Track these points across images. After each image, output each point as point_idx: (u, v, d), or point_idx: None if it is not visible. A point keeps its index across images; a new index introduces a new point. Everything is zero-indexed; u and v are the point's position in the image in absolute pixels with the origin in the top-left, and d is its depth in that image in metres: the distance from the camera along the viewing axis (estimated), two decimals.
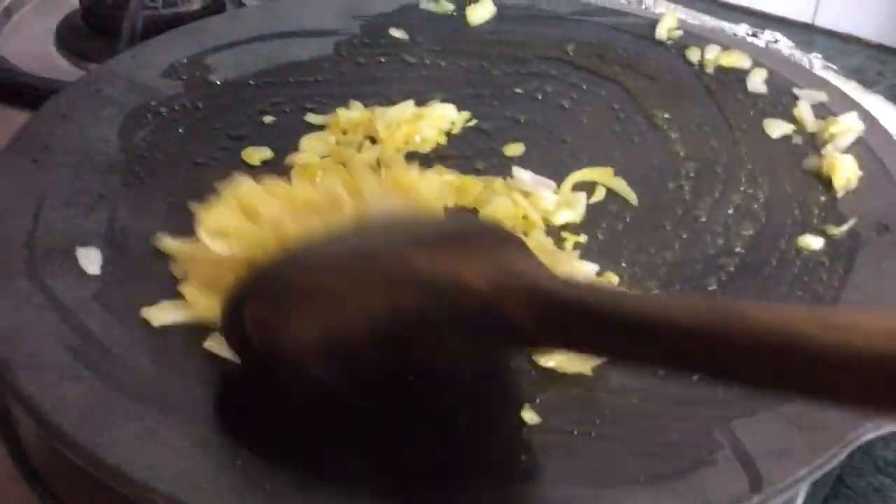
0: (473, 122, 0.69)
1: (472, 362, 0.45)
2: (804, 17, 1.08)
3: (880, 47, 1.04)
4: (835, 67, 0.92)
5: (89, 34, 0.93)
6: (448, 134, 0.67)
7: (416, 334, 0.41)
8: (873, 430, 0.46)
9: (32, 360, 0.47)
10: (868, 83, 0.96)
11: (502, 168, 0.63)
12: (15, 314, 0.50)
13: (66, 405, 0.45)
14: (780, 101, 0.71)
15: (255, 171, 0.58)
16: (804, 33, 1.06)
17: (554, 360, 0.50)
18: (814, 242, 0.58)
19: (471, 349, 0.42)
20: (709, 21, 0.97)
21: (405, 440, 0.44)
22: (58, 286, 0.52)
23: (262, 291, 0.44)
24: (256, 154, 0.64)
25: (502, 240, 0.44)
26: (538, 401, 0.48)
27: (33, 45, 0.92)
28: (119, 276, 0.54)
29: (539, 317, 0.38)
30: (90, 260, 0.54)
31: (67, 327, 0.49)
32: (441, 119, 0.67)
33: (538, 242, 0.57)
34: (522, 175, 0.62)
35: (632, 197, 0.62)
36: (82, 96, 0.66)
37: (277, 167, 0.61)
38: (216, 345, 0.49)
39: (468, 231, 0.45)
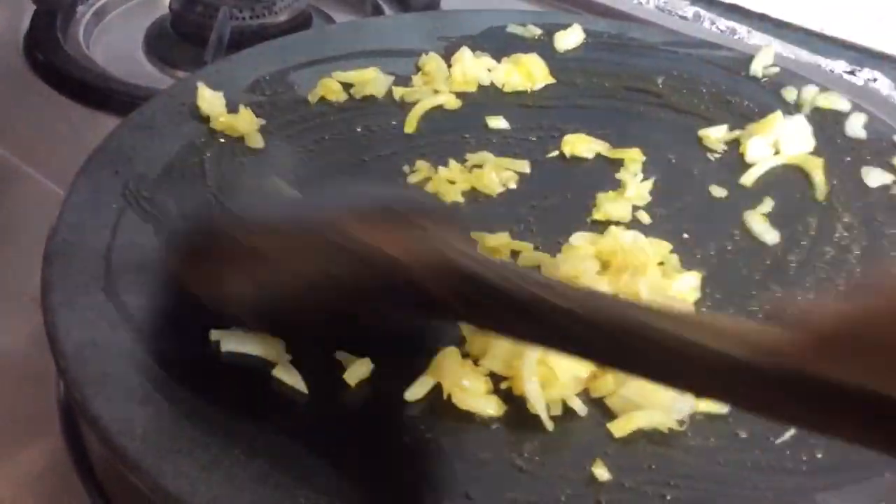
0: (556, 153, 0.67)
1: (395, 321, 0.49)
2: None
3: None
4: None
5: (177, 41, 0.93)
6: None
7: (341, 295, 0.44)
8: None
9: (102, 378, 0.47)
10: None
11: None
12: (88, 330, 0.50)
13: (132, 427, 0.45)
14: (880, 147, 0.68)
15: None
16: None
17: (631, 418, 0.48)
18: None
19: (395, 313, 0.46)
20: (805, 55, 0.93)
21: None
22: (132, 302, 0.52)
23: (200, 247, 0.49)
24: None
25: (438, 217, 0.47)
26: (608, 453, 0.46)
27: (122, 50, 0.93)
28: (191, 297, 0.53)
29: (456, 294, 0.41)
30: None
31: (140, 346, 0.49)
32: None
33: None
34: None
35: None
36: (166, 109, 0.66)
37: None
38: (284, 374, 0.49)
39: (407, 206, 0.48)
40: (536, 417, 0.48)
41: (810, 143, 0.68)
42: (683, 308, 0.50)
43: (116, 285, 0.53)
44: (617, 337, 0.37)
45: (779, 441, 0.47)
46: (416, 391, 0.48)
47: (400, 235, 0.43)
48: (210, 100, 0.66)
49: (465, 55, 0.74)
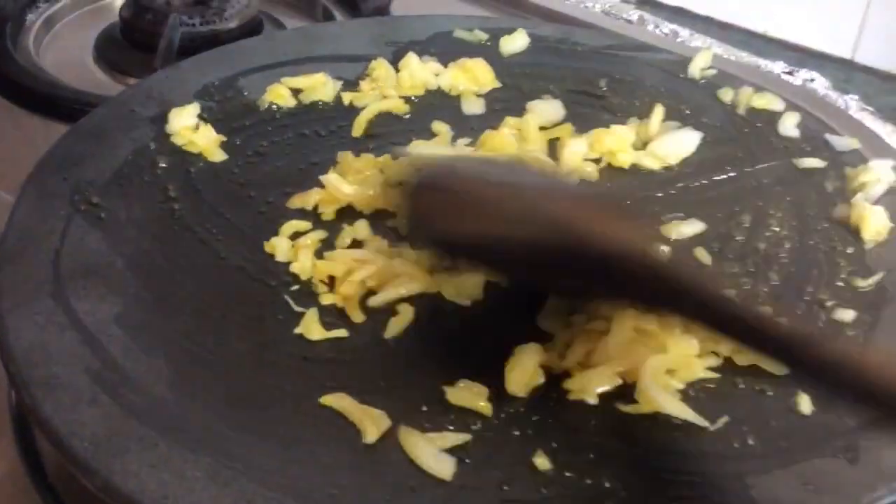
0: None
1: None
2: (844, 53, 1.06)
3: None
4: (871, 109, 0.91)
5: (128, 48, 0.94)
6: None
7: (539, 258, 0.50)
8: (889, 494, 0.45)
9: (52, 382, 0.48)
10: None
11: None
12: (38, 334, 0.50)
13: (82, 429, 0.46)
14: (812, 145, 0.71)
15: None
16: (843, 70, 1.05)
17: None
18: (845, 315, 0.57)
19: (573, 285, 0.52)
20: (745, 57, 0.96)
21: None
22: (81, 307, 0.53)
23: (435, 187, 0.54)
24: None
25: (622, 209, 0.57)
26: (554, 445, 0.48)
27: (72, 58, 0.93)
28: (142, 299, 0.54)
29: (632, 276, 0.47)
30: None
31: (88, 350, 0.50)
32: None
33: None
34: None
35: None
36: (115, 115, 0.67)
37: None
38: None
39: (599, 195, 0.59)
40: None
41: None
42: None
43: (65, 290, 0.53)
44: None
45: (713, 428, 0.49)
46: None
47: (597, 218, 0.50)
48: (181, 116, 0.67)
49: (411, 60, 0.75)
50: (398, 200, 0.58)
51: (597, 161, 0.69)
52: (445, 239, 0.53)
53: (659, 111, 0.71)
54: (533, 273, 0.52)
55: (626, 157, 0.69)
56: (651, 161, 0.68)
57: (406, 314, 0.55)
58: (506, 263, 0.52)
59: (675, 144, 0.69)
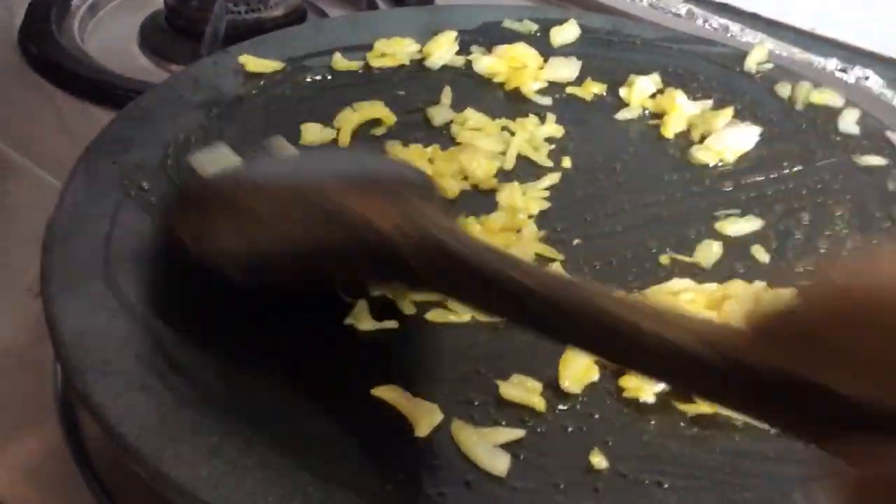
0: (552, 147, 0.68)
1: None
2: (894, 53, 1.04)
3: None
4: None
5: (173, 35, 0.93)
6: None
7: (323, 256, 0.47)
8: None
9: (102, 367, 0.47)
10: None
11: None
12: (88, 318, 0.50)
13: (132, 415, 0.45)
14: (873, 142, 0.69)
15: None
16: (892, 69, 1.03)
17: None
18: None
19: (369, 277, 0.51)
20: (797, 53, 0.94)
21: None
22: (132, 292, 0.52)
23: (196, 204, 0.52)
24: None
25: (418, 188, 0.50)
26: (609, 443, 0.47)
27: (117, 44, 0.93)
28: (191, 284, 0.53)
29: (426, 263, 0.43)
30: None
31: (139, 335, 0.49)
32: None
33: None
34: None
35: None
36: (163, 100, 0.66)
37: None
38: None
39: (389, 175, 0.52)
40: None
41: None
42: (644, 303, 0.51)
43: (116, 274, 0.53)
44: (572, 317, 0.39)
45: (773, 430, 0.48)
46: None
47: (380, 202, 0.46)
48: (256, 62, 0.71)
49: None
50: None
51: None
52: (229, 257, 0.49)
53: (728, 111, 0.69)
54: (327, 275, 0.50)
55: (675, 128, 0.70)
56: (706, 155, 0.67)
57: (456, 307, 0.54)
58: (297, 270, 0.49)
59: (732, 139, 0.67)
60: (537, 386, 0.49)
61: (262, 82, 0.70)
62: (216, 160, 0.59)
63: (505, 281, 0.41)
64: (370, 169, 0.53)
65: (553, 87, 0.74)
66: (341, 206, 0.46)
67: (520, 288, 0.41)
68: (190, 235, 0.50)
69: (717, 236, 0.60)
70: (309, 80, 0.72)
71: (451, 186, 0.62)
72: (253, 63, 0.71)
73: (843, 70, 0.92)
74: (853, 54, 1.01)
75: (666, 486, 0.45)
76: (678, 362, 0.36)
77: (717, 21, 0.99)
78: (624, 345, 0.37)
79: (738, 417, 0.48)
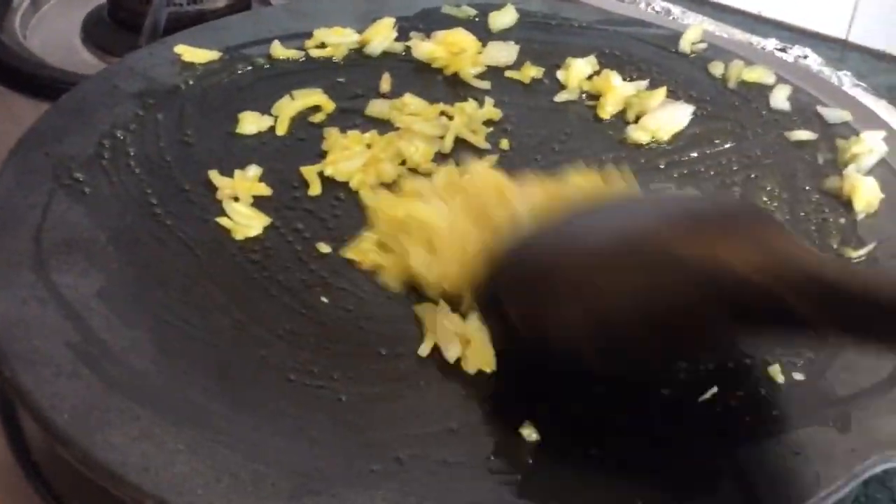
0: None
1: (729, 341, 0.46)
2: (838, 33, 1.06)
3: None
4: (864, 85, 0.90)
5: (115, 29, 0.93)
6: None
7: (680, 318, 0.40)
8: (881, 462, 0.45)
9: (32, 355, 0.47)
10: None
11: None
12: (18, 308, 0.50)
13: (62, 402, 0.45)
14: (804, 118, 0.70)
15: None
16: (837, 49, 1.05)
17: None
18: None
19: (734, 331, 0.42)
20: (738, 34, 0.95)
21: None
22: (63, 281, 0.52)
23: (522, 281, 0.45)
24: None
25: (757, 219, 0.43)
26: (539, 416, 0.47)
27: (59, 38, 0.93)
28: (125, 273, 0.53)
29: (816, 304, 0.37)
30: None
31: (70, 324, 0.49)
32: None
33: None
34: None
35: None
36: (98, 91, 0.66)
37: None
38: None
39: (721, 211, 0.45)
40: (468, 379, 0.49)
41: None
42: None
43: (47, 265, 0.53)
44: None
45: (701, 399, 0.49)
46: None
47: (730, 243, 0.39)
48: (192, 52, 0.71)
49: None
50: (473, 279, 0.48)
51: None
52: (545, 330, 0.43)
53: (661, 91, 0.70)
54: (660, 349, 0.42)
55: (611, 108, 0.70)
56: (641, 134, 0.68)
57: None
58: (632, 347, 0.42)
59: (666, 118, 0.68)
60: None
61: (199, 72, 0.71)
62: None
63: None
64: (698, 208, 0.45)
65: (492, 71, 0.74)
66: (687, 256, 0.39)
67: None
68: (519, 314, 0.44)
69: None
70: (247, 68, 0.72)
71: (388, 170, 0.63)
72: (189, 53, 0.71)
73: (783, 49, 0.93)
74: (798, 35, 1.03)
75: (593, 452, 0.46)
76: None
77: (660, 4, 1.01)
78: None
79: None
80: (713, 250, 0.39)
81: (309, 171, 0.62)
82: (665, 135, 0.68)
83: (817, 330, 0.40)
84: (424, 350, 0.50)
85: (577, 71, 0.73)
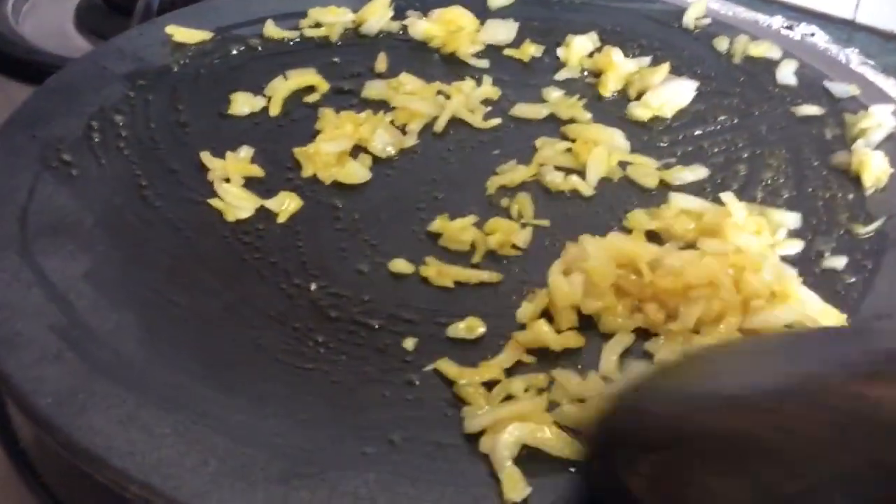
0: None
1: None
2: (845, 14, 1.04)
3: None
4: (872, 63, 0.88)
5: (108, 14, 0.92)
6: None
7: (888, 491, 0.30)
8: None
9: (15, 339, 0.46)
10: None
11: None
12: (2, 291, 0.49)
13: (45, 386, 0.44)
14: (811, 93, 0.68)
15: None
16: (844, 30, 1.03)
17: None
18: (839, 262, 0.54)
19: None
20: (742, 13, 0.93)
21: None
22: (48, 263, 0.51)
23: (659, 439, 0.34)
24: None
25: None
26: None
27: (52, 25, 0.91)
28: (112, 256, 0.52)
29: None
30: None
31: (55, 306, 0.48)
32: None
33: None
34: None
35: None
36: (86, 73, 0.64)
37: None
38: None
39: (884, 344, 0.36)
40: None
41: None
42: None
43: (32, 247, 0.51)
44: None
45: None
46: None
47: None
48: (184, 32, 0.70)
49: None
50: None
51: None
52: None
53: (664, 67, 0.69)
54: None
55: (612, 86, 0.69)
56: (643, 111, 0.66)
57: None
58: None
59: (669, 95, 0.67)
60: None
61: (191, 52, 0.69)
62: None
63: None
64: (882, 342, 0.37)
65: (490, 50, 0.73)
66: (877, 403, 0.31)
67: None
68: (653, 492, 0.33)
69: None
70: (240, 48, 0.70)
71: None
72: (180, 33, 0.69)
73: (789, 27, 0.91)
74: (805, 15, 1.01)
75: None
76: None
77: None
78: None
79: None
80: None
81: (302, 153, 0.61)
82: (668, 111, 0.66)
83: None
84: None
85: (578, 48, 0.71)
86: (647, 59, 0.71)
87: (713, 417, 0.33)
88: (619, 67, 0.69)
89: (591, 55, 0.72)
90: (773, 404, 0.33)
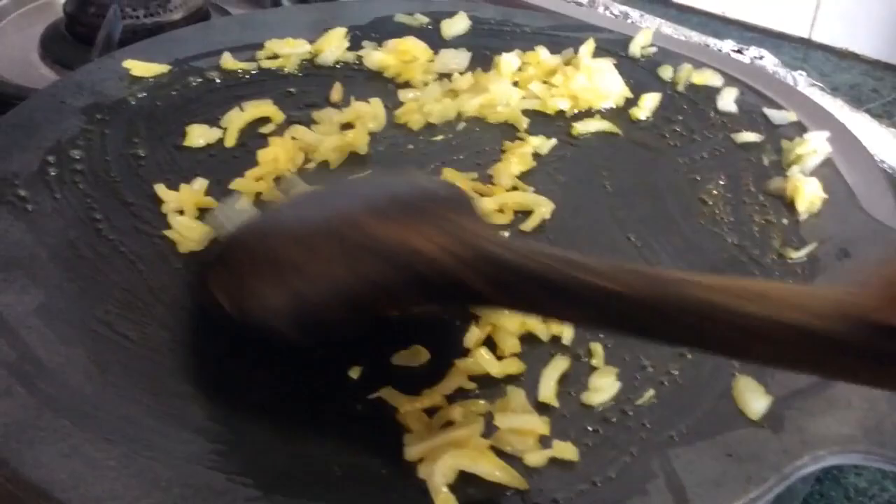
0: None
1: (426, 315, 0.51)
2: (801, 32, 1.07)
3: (877, 63, 1.03)
4: (820, 85, 0.90)
5: (73, 43, 0.92)
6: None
7: (375, 296, 0.44)
8: (812, 463, 0.45)
9: None
10: (863, 100, 0.95)
11: None
12: None
13: None
14: (750, 120, 0.70)
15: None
16: (800, 48, 1.05)
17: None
18: None
19: (426, 307, 0.47)
20: (695, 37, 0.95)
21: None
22: (1, 300, 0.52)
23: (228, 261, 0.48)
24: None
25: (453, 203, 0.47)
26: None
27: (16, 53, 0.92)
28: (65, 290, 0.53)
29: (488, 281, 0.41)
30: None
31: (4, 342, 0.49)
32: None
33: None
34: None
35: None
36: (44, 107, 0.66)
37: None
38: None
39: (421, 196, 0.48)
40: None
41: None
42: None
43: None
44: (665, 313, 0.36)
45: (638, 402, 0.49)
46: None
47: (420, 226, 0.43)
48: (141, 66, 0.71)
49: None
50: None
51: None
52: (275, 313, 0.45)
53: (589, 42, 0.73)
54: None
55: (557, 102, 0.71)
56: (564, 103, 0.69)
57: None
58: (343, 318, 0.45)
59: (595, 82, 0.70)
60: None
61: (148, 85, 0.71)
62: (234, 215, 0.57)
63: (582, 286, 0.38)
64: (400, 192, 0.48)
65: (443, 79, 0.74)
66: (381, 239, 0.43)
67: (601, 291, 0.38)
68: (226, 295, 0.46)
69: None
70: (198, 81, 0.72)
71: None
72: (138, 67, 0.71)
73: (739, 51, 0.94)
74: (761, 36, 1.04)
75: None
76: (801, 344, 0.33)
77: (618, 8, 1.01)
78: (734, 335, 0.35)
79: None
80: (405, 233, 0.42)
81: (240, 184, 0.63)
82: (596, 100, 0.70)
83: (491, 303, 0.44)
84: None
85: (506, 66, 0.73)
86: (570, 50, 0.75)
87: (269, 246, 0.47)
88: (545, 63, 0.73)
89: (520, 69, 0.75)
90: (306, 230, 0.46)
